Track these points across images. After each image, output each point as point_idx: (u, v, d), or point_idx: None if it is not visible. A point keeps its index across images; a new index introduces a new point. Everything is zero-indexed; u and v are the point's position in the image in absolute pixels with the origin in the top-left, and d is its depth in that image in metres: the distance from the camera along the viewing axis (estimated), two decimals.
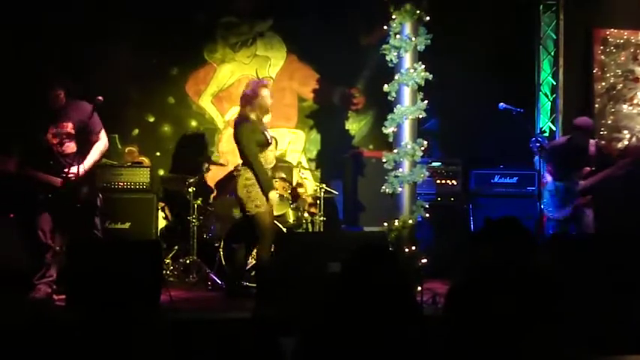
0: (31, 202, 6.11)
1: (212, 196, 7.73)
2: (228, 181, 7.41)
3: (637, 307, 4.56)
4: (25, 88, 6.97)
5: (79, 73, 7.25)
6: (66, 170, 6.04)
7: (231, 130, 8.53)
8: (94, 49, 7.80)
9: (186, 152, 8.49)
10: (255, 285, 6.75)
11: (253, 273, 6.83)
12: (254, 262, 6.92)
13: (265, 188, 6.09)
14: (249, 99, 6.22)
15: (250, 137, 6.15)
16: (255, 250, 6.33)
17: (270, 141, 6.37)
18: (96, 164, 6.31)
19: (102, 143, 6.29)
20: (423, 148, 6.78)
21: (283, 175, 7.59)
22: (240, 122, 6.22)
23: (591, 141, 7.29)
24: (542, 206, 7.26)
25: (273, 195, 6.14)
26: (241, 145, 6.18)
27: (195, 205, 7.40)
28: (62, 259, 5.99)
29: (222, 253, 6.99)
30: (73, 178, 6.01)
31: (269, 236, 6.19)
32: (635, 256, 5.16)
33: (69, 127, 6.12)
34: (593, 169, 7.13)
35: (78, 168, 5.98)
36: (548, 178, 7.29)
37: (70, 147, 6.13)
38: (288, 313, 5.18)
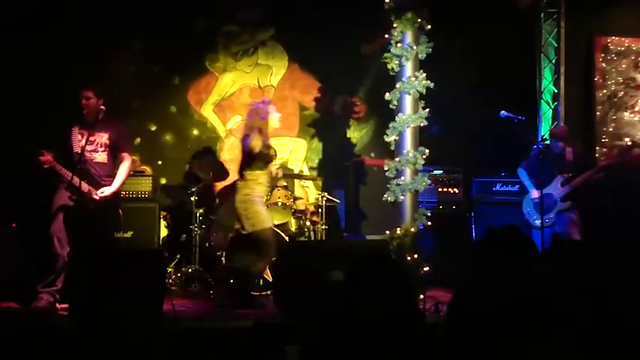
0: (42, 210, 6.14)
1: (215, 205, 7.73)
2: (231, 190, 7.42)
3: (636, 313, 4.55)
4: (63, 92, 7.04)
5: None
6: (100, 195, 6.12)
7: (232, 139, 8.61)
8: (96, 58, 7.82)
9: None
10: (255, 293, 6.83)
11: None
12: None
13: None
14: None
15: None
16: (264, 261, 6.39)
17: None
18: (122, 185, 6.42)
19: (128, 164, 6.38)
20: (424, 156, 6.79)
21: (285, 184, 7.60)
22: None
23: (568, 148, 7.32)
24: (525, 216, 7.29)
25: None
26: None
27: (198, 214, 7.41)
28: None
29: (224, 262, 6.99)
30: (99, 200, 6.13)
31: (266, 252, 6.31)
32: (634, 263, 5.15)
33: (105, 137, 6.23)
34: (571, 175, 7.15)
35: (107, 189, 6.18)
36: (534, 192, 7.28)
37: (102, 157, 6.24)
38: (292, 321, 5.18)
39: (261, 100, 6.59)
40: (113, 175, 6.26)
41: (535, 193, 7.17)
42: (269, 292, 6.87)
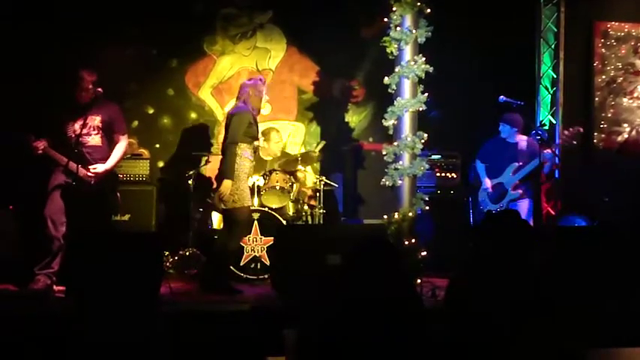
0: (39, 192, 6.11)
1: (212, 188, 7.71)
2: None
3: (635, 299, 4.56)
4: (57, 78, 6.91)
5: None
6: (92, 171, 6.07)
7: None
8: (94, 40, 7.78)
9: (186, 144, 8.48)
10: (252, 277, 6.87)
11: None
12: (253, 254, 6.97)
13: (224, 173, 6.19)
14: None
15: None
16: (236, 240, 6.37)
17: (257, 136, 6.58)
18: (117, 165, 6.37)
19: (123, 145, 6.34)
20: (423, 141, 6.78)
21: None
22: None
23: (522, 136, 7.31)
24: (480, 205, 7.33)
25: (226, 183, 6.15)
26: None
27: (194, 197, 7.39)
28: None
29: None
30: (93, 180, 6.09)
31: (241, 230, 6.36)
32: (634, 248, 5.15)
33: (97, 120, 6.17)
34: (521, 164, 7.15)
35: (99, 168, 6.11)
36: (487, 181, 7.30)
37: (95, 140, 6.18)
38: (290, 305, 5.19)
39: (259, 78, 6.57)
40: (108, 158, 6.23)
41: (487, 183, 7.26)
42: (266, 277, 6.88)
